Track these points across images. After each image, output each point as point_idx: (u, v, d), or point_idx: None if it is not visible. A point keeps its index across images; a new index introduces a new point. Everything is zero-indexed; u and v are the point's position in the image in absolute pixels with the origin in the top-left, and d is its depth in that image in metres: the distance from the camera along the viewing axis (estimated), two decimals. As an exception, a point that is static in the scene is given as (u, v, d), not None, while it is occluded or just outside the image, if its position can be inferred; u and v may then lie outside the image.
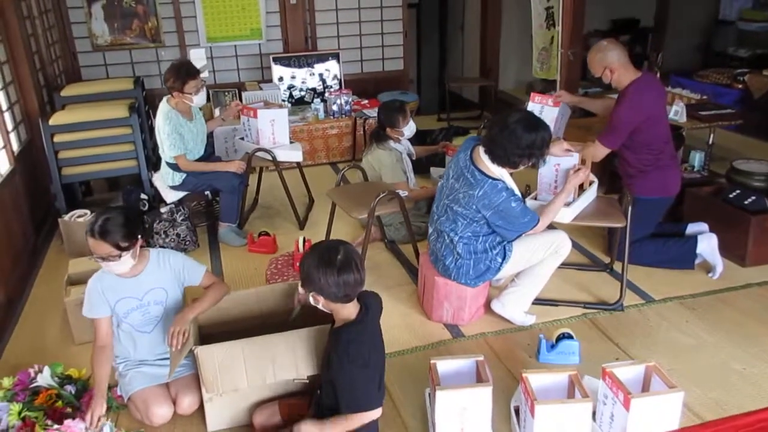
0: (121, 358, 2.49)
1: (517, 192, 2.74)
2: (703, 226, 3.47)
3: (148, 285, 2.39)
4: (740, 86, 5.76)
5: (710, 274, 3.36)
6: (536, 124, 2.60)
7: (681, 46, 7.28)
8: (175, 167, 3.76)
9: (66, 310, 2.92)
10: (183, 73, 3.62)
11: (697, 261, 3.41)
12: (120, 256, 2.21)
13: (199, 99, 3.71)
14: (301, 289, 2.07)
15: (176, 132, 3.65)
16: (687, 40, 7.41)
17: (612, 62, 3.17)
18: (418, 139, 5.48)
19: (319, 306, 2.00)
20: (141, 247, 2.33)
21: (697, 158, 4.05)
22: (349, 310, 2.01)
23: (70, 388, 2.47)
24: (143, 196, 4.08)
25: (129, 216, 2.24)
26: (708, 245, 3.35)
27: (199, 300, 2.39)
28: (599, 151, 3.27)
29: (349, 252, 1.96)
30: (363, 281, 1.98)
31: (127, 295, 2.36)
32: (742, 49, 6.82)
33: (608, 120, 3.28)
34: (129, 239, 2.22)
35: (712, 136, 4.16)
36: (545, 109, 3.48)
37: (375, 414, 1.99)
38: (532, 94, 3.47)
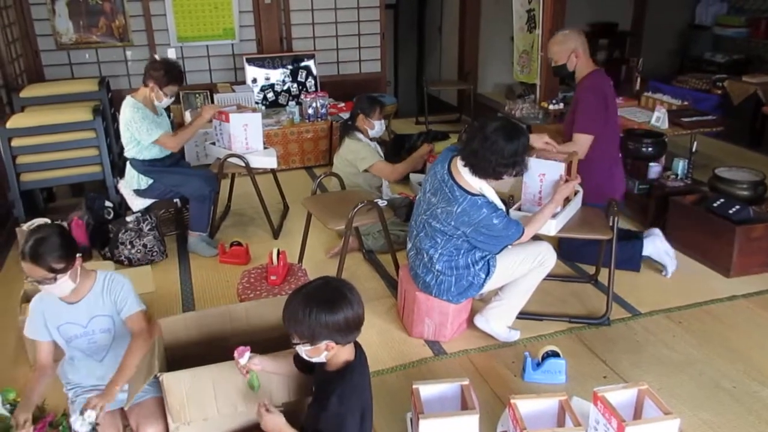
0: (72, 384, 2.27)
1: (500, 204, 2.62)
2: (654, 230, 3.48)
3: (91, 312, 2.18)
4: (719, 92, 5.73)
5: (663, 273, 3.40)
6: (516, 130, 2.49)
7: (657, 50, 7.28)
8: (138, 166, 3.58)
9: (21, 329, 2.71)
10: (176, 74, 3.55)
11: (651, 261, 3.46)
12: (55, 279, 2.02)
13: (166, 102, 3.62)
14: (251, 359, 1.92)
15: (148, 118, 3.51)
16: (663, 45, 7.41)
17: (577, 46, 3.24)
18: (395, 144, 5.38)
19: (321, 358, 1.81)
20: (89, 268, 2.19)
21: (680, 166, 3.98)
22: (349, 350, 1.85)
23: (23, 417, 2.29)
24: (108, 203, 3.88)
25: (63, 235, 2.05)
26: (654, 247, 3.39)
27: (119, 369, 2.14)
28: (582, 142, 3.22)
29: (334, 283, 1.80)
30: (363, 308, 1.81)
31: (69, 320, 2.16)
32: (718, 54, 6.82)
33: (577, 114, 3.26)
34: (64, 261, 2.02)
35: (695, 143, 4.10)
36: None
37: None
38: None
